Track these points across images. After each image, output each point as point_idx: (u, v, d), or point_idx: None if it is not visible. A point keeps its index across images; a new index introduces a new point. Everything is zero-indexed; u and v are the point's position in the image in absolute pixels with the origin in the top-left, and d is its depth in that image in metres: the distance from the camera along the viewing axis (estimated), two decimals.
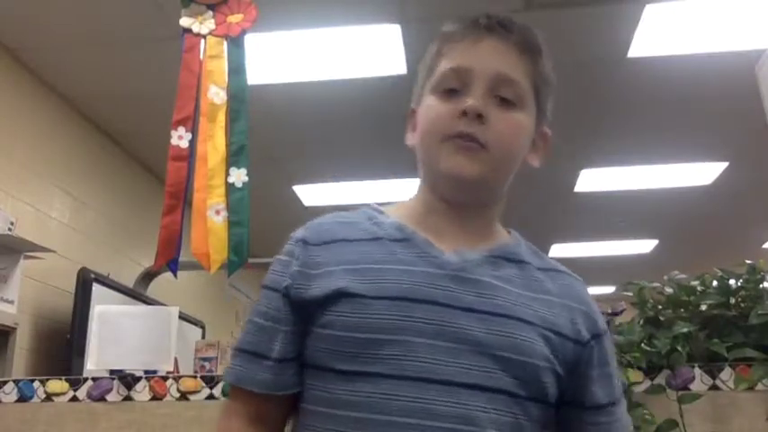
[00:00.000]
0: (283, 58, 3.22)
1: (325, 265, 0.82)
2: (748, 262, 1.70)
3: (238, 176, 1.99)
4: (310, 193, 4.88)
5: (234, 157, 2.01)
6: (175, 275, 2.10)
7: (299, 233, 0.88)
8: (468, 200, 0.86)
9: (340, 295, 0.79)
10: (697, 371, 1.57)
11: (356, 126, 3.89)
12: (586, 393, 0.85)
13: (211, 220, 1.95)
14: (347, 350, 0.77)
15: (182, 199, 1.99)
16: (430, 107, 0.86)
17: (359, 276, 0.80)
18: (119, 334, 1.88)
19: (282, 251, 0.87)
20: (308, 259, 0.83)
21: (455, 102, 0.83)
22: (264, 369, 0.82)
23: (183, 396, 1.78)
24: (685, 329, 1.57)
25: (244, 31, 2.09)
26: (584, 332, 0.84)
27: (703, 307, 1.68)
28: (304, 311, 0.81)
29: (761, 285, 1.66)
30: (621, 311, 1.72)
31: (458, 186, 0.84)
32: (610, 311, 1.71)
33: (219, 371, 2.04)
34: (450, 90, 0.84)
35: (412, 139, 0.91)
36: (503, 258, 0.85)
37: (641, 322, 1.68)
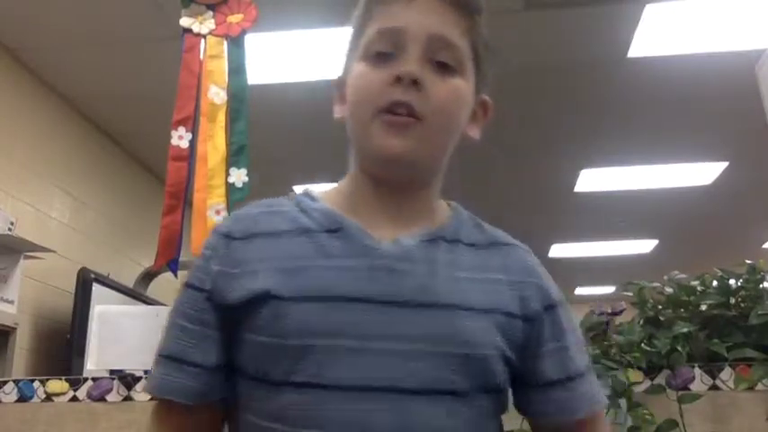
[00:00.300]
0: (283, 58, 3.22)
1: (247, 263, 0.74)
2: (748, 262, 1.70)
3: (238, 176, 1.99)
4: None
5: (234, 157, 2.01)
6: (176, 275, 2.10)
7: (224, 225, 0.79)
8: (404, 180, 0.78)
9: (263, 298, 0.71)
10: (697, 371, 1.57)
11: None
12: (537, 371, 0.77)
13: (211, 220, 1.95)
14: (273, 358, 0.70)
15: (182, 199, 1.99)
16: (359, 75, 0.76)
17: (284, 276, 0.72)
18: (119, 334, 1.88)
19: (206, 243, 0.78)
20: (229, 258, 0.75)
21: (387, 67, 0.74)
22: (190, 377, 0.73)
23: None
24: (685, 329, 1.57)
25: (244, 31, 2.09)
26: (534, 306, 0.77)
27: (703, 307, 1.68)
28: (229, 315, 0.73)
29: (761, 285, 1.66)
30: (621, 311, 1.71)
31: (391, 166, 0.75)
32: (610, 311, 1.71)
33: None
34: (382, 54, 0.75)
35: (340, 111, 0.82)
36: (442, 240, 0.77)
37: (641, 322, 1.68)
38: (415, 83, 0.72)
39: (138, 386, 1.78)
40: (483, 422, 0.73)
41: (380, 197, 0.78)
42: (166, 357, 0.75)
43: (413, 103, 0.72)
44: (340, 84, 0.83)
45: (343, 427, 0.66)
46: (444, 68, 0.75)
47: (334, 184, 0.84)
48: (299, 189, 0.84)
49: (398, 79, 0.73)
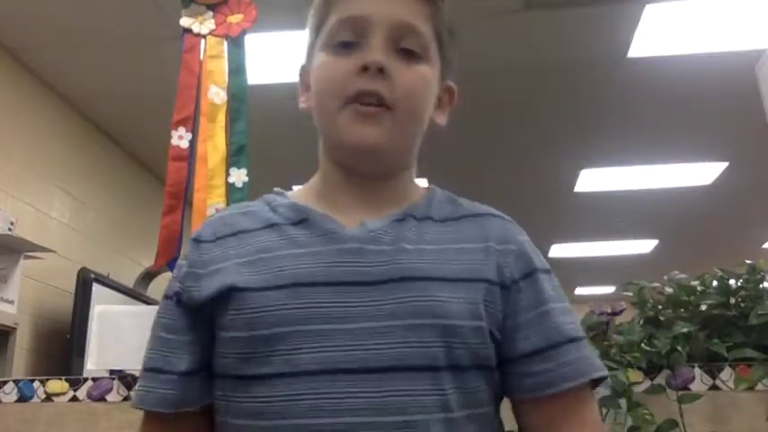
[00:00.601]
0: (283, 58, 3.22)
1: (214, 262, 0.74)
2: (748, 262, 1.70)
3: (238, 176, 1.99)
4: None
5: (234, 157, 2.01)
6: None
7: (196, 231, 0.79)
8: (374, 169, 0.77)
9: (228, 293, 0.70)
10: (697, 371, 1.57)
11: None
12: (515, 341, 0.72)
13: None
14: (242, 352, 0.68)
15: (182, 199, 1.99)
16: (323, 65, 0.75)
17: (249, 269, 0.71)
18: (119, 334, 1.88)
19: (183, 254, 0.79)
20: (197, 258, 0.75)
21: (352, 57, 0.73)
22: (167, 384, 0.73)
23: None
24: (685, 329, 1.57)
25: (244, 32, 2.09)
26: (513, 273, 0.73)
27: (703, 307, 1.68)
28: (200, 316, 0.73)
29: (761, 285, 1.66)
30: (621, 311, 1.71)
31: (363, 157, 0.75)
32: (610, 311, 1.71)
33: None
34: (345, 44, 0.74)
35: (306, 101, 0.81)
36: (412, 218, 0.75)
37: (641, 322, 1.68)
38: (381, 71, 0.72)
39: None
40: (473, 402, 0.69)
41: (351, 186, 0.77)
42: (147, 370, 0.75)
43: (381, 91, 0.72)
44: (303, 73, 0.83)
45: (322, 411, 0.64)
46: (409, 55, 0.74)
47: (308, 183, 0.83)
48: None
49: (365, 68, 0.72)
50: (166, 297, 0.77)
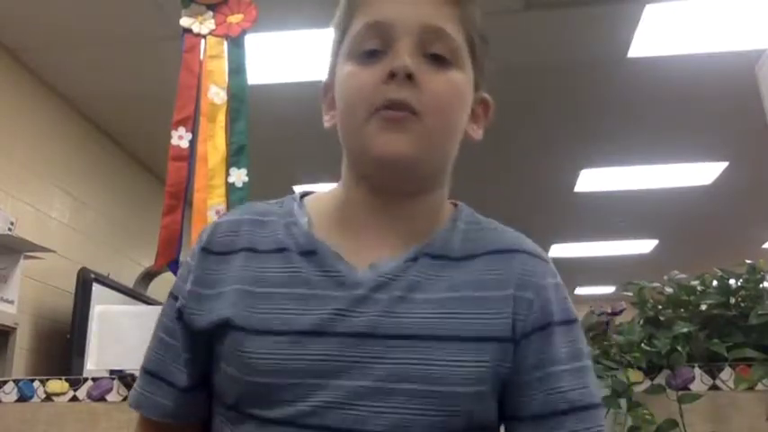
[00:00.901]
0: (283, 58, 3.22)
1: (219, 283, 0.70)
2: (748, 262, 1.70)
3: (238, 176, 1.99)
4: None
5: (234, 157, 2.01)
6: (176, 275, 2.09)
7: (205, 234, 0.75)
8: (402, 184, 0.71)
9: (224, 327, 0.67)
10: (697, 371, 1.57)
11: None
12: (518, 401, 0.67)
13: (212, 221, 1.95)
14: (232, 390, 0.67)
15: (182, 199, 1.99)
16: (349, 75, 0.70)
17: (249, 302, 0.68)
18: (119, 334, 1.88)
19: (190, 252, 0.76)
20: (203, 275, 0.71)
21: (379, 65, 0.68)
22: (165, 395, 0.72)
23: None
24: (685, 329, 1.57)
25: (244, 32, 2.09)
26: (527, 327, 0.68)
27: (703, 307, 1.68)
28: (200, 338, 0.71)
29: (761, 285, 1.66)
30: (621, 311, 1.71)
31: (392, 169, 0.68)
32: (610, 311, 1.71)
33: None
34: (371, 52, 0.69)
35: (331, 119, 0.76)
36: (427, 256, 0.70)
37: (641, 322, 1.68)
38: (409, 77, 0.67)
39: None
40: None
41: (374, 206, 0.72)
42: (147, 372, 0.74)
43: (408, 100, 0.67)
44: (327, 88, 0.77)
45: None
46: (439, 61, 0.69)
47: (334, 185, 0.78)
48: (299, 190, 0.82)
49: (392, 75, 0.67)
50: (172, 296, 0.75)
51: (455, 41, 0.70)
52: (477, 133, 0.78)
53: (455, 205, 0.78)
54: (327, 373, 0.64)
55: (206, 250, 0.73)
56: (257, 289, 0.69)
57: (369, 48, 0.69)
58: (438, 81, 0.69)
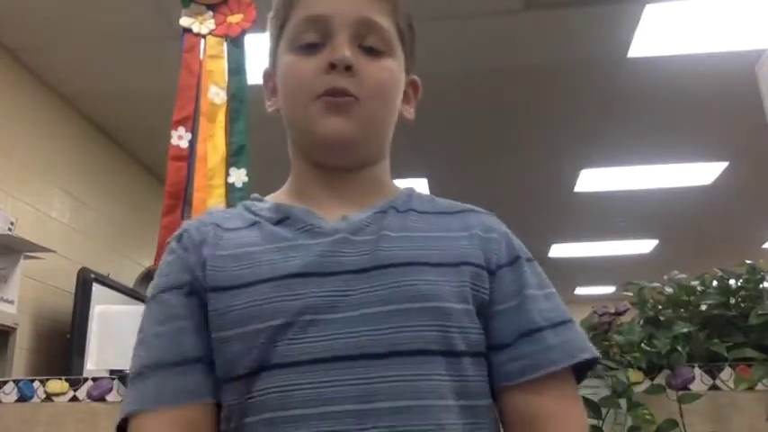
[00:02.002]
0: None
1: (202, 246, 0.74)
2: (748, 262, 1.70)
3: (238, 177, 1.99)
4: None
5: (234, 157, 2.01)
6: None
7: (179, 231, 0.77)
8: (348, 163, 0.77)
9: (210, 289, 0.70)
10: (697, 371, 1.57)
11: None
12: (497, 328, 0.72)
13: None
14: (236, 350, 0.67)
15: (182, 199, 1.99)
16: (290, 66, 0.76)
17: (233, 263, 0.70)
18: (119, 334, 1.88)
19: (166, 252, 0.76)
20: (191, 246, 0.74)
21: (318, 56, 0.74)
22: (177, 375, 0.69)
23: None
24: (685, 329, 1.57)
25: (243, 32, 2.09)
26: (498, 259, 0.74)
27: (703, 307, 1.68)
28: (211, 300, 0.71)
29: (761, 285, 1.66)
30: (625, 311, 1.70)
31: (335, 149, 0.75)
32: (613, 311, 1.70)
33: None
34: (310, 45, 0.75)
35: (273, 105, 0.82)
36: (394, 210, 0.76)
37: (641, 322, 1.68)
38: (348, 68, 0.73)
39: None
40: (467, 393, 0.68)
41: (326, 182, 0.78)
42: (147, 368, 0.71)
43: (348, 88, 0.73)
44: (268, 77, 0.83)
45: (310, 402, 0.64)
46: (374, 52, 0.76)
47: (282, 188, 0.84)
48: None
49: (332, 66, 0.73)
50: (168, 290, 0.73)
51: (387, 32, 0.77)
52: (410, 113, 0.84)
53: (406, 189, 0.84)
54: (322, 308, 0.67)
55: (179, 236, 0.76)
56: (237, 250, 0.72)
57: (308, 41, 0.75)
58: (374, 69, 0.75)
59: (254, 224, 0.75)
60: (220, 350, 0.69)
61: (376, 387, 0.64)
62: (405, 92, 0.82)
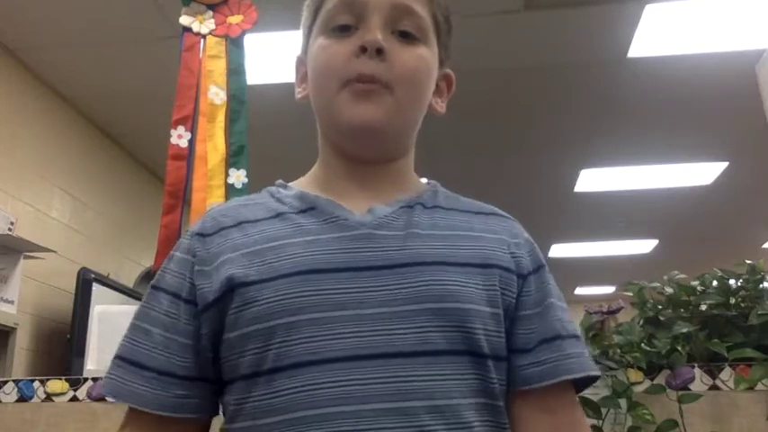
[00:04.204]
0: (283, 58, 3.22)
1: (221, 254, 0.70)
2: (748, 262, 1.70)
3: (238, 177, 1.99)
4: None
5: (234, 157, 2.01)
6: None
7: (197, 224, 0.76)
8: (375, 154, 0.76)
9: (236, 287, 0.67)
10: (697, 371, 1.57)
11: None
12: (520, 333, 0.71)
13: None
14: (256, 347, 0.65)
15: (181, 198, 1.99)
16: (321, 49, 0.74)
17: (257, 259, 0.68)
18: (119, 334, 1.88)
19: (179, 246, 0.75)
20: (204, 254, 0.71)
21: (350, 39, 0.72)
22: (172, 388, 0.69)
23: None
24: (685, 329, 1.57)
25: (244, 32, 2.09)
26: (525, 265, 0.74)
27: (703, 307, 1.68)
28: (206, 318, 0.69)
29: (761, 285, 1.66)
30: (619, 309, 1.70)
31: (363, 138, 0.73)
32: (606, 310, 1.70)
33: None
34: (343, 27, 0.73)
35: (302, 91, 0.80)
36: (420, 205, 0.75)
37: (641, 322, 1.68)
38: (379, 52, 0.71)
39: None
40: (491, 393, 0.68)
41: (352, 172, 0.76)
42: (147, 368, 0.69)
43: (378, 74, 0.71)
44: (300, 63, 0.82)
45: (343, 400, 0.62)
46: (408, 38, 0.74)
47: (307, 174, 0.83)
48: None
49: (363, 50, 0.71)
50: (165, 291, 0.72)
51: (423, 19, 0.75)
52: (441, 107, 0.82)
53: (428, 183, 0.83)
54: (346, 304, 0.65)
55: (202, 234, 0.74)
56: (263, 246, 0.70)
57: (341, 23, 0.73)
58: (407, 55, 0.73)
59: (278, 215, 0.73)
60: (237, 347, 0.67)
61: (412, 386, 0.63)
62: (437, 85, 0.80)
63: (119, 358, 0.71)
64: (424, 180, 0.83)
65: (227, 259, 0.69)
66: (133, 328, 0.72)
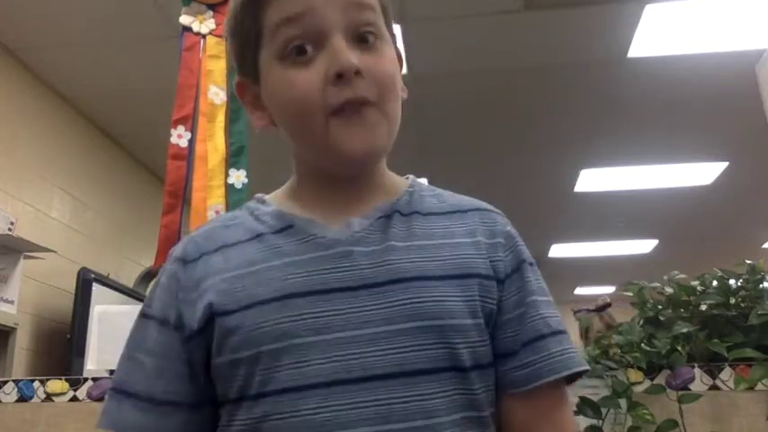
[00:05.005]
0: None
1: (201, 282, 0.69)
2: (748, 262, 1.70)
3: (238, 177, 1.99)
4: None
5: (234, 157, 2.01)
6: None
7: (178, 248, 0.74)
8: (364, 171, 0.74)
9: (216, 315, 0.66)
10: (697, 371, 1.57)
11: None
12: (504, 336, 0.70)
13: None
14: (241, 374, 0.65)
15: (181, 198, 1.99)
16: (285, 81, 0.68)
17: (236, 284, 0.67)
18: (119, 334, 1.88)
19: (164, 271, 0.73)
20: (186, 281, 0.70)
21: (316, 64, 0.67)
22: (175, 417, 0.68)
23: None
24: (685, 329, 1.57)
25: None
26: (505, 267, 0.72)
27: (703, 307, 1.68)
28: (196, 344, 0.68)
29: (761, 285, 1.66)
30: (606, 306, 1.69)
31: (364, 164, 0.72)
32: (593, 308, 1.70)
33: None
34: (299, 50, 0.67)
35: (261, 119, 0.75)
36: (398, 213, 0.73)
37: (641, 322, 1.68)
38: (357, 74, 0.66)
39: None
40: (475, 405, 0.67)
41: (332, 187, 0.74)
42: (148, 400, 0.68)
43: (363, 93, 0.67)
44: (244, 87, 0.76)
45: (326, 426, 0.62)
46: (368, 41, 0.69)
47: (284, 186, 0.80)
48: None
49: (339, 76, 0.66)
50: (156, 319, 0.71)
51: (374, 11, 0.71)
52: (405, 91, 0.76)
53: (406, 179, 0.80)
54: (325, 328, 0.64)
55: (184, 261, 0.72)
56: (239, 271, 0.68)
57: (296, 44, 0.68)
58: (378, 64, 0.69)
59: (256, 236, 0.71)
60: (225, 372, 0.67)
61: (389, 408, 0.63)
62: None
63: (114, 390, 0.70)
64: (401, 178, 0.80)
65: (208, 287, 0.68)
66: (125, 358, 0.71)
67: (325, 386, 0.63)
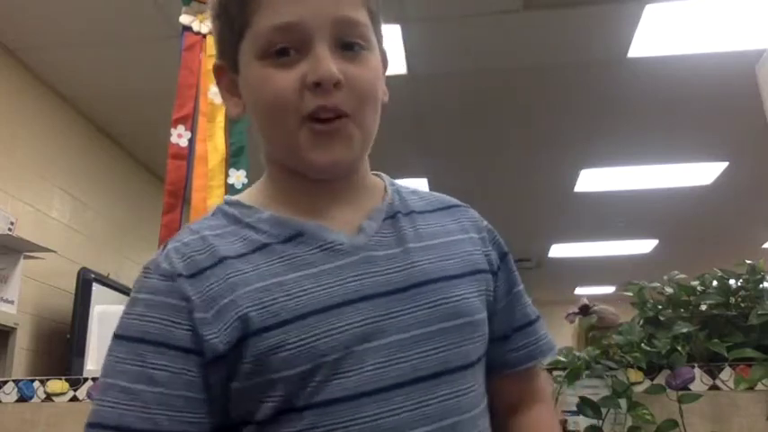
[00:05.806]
0: None
1: (220, 297, 0.64)
2: (748, 262, 1.70)
3: (238, 177, 1.99)
4: None
5: (234, 157, 2.01)
6: None
7: (162, 262, 0.66)
8: (338, 177, 0.72)
9: (247, 333, 0.62)
10: (697, 371, 1.57)
11: None
12: (498, 323, 0.76)
13: None
14: (277, 391, 0.62)
15: (181, 197, 1.99)
16: (263, 78, 0.67)
17: (263, 300, 0.63)
18: None
19: (150, 288, 0.65)
20: (199, 299, 0.64)
21: (298, 67, 0.66)
22: None
23: None
24: (685, 329, 1.57)
25: None
26: (495, 258, 0.77)
27: (703, 307, 1.68)
28: (224, 368, 0.63)
29: (761, 285, 1.66)
30: (586, 306, 1.69)
31: (330, 173, 0.70)
32: (577, 311, 1.70)
33: None
34: (284, 51, 0.67)
35: (238, 105, 0.73)
36: (400, 214, 0.73)
37: (641, 322, 1.68)
38: (336, 85, 0.66)
39: None
40: (482, 395, 0.72)
41: (314, 185, 0.71)
42: (128, 430, 0.61)
43: (339, 103, 0.66)
44: (221, 70, 0.74)
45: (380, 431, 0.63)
46: (353, 49, 0.68)
47: (254, 188, 0.76)
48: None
49: (317, 84, 0.65)
50: (149, 342, 0.63)
51: (365, 26, 0.70)
52: (386, 94, 0.75)
53: (377, 175, 0.80)
54: (368, 336, 0.64)
55: (178, 275, 0.65)
56: (263, 283, 0.64)
57: (279, 46, 0.67)
58: (360, 74, 0.68)
59: (261, 247, 0.67)
60: (256, 393, 0.63)
61: (441, 406, 0.65)
62: None
63: (97, 426, 0.62)
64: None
65: (229, 303, 0.63)
66: (108, 388, 0.63)
67: (376, 393, 0.63)
